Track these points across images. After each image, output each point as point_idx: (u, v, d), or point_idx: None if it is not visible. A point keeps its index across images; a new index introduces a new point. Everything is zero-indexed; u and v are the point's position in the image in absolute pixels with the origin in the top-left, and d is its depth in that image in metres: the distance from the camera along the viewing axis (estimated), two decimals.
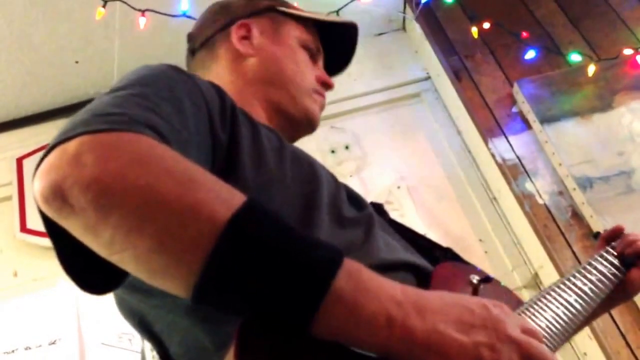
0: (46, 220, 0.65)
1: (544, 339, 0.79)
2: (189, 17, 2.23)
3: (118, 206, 0.59)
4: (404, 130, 2.71)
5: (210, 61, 1.16)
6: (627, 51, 2.56)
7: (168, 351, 0.83)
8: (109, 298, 2.02)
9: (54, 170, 0.62)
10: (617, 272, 1.12)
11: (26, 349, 2.07)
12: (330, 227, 0.87)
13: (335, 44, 1.26)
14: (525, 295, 2.21)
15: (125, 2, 2.22)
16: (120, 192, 0.59)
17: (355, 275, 0.61)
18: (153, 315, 0.84)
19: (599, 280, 1.06)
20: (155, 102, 0.73)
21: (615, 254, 1.16)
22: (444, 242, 2.37)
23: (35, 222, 2.44)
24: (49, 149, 0.64)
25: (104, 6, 2.19)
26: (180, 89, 0.80)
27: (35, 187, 0.63)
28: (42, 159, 0.64)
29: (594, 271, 1.08)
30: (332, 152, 2.62)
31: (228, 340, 0.61)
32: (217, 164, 0.80)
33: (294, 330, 0.59)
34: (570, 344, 2.10)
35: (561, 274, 2.08)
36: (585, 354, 2.07)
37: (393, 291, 0.62)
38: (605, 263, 1.12)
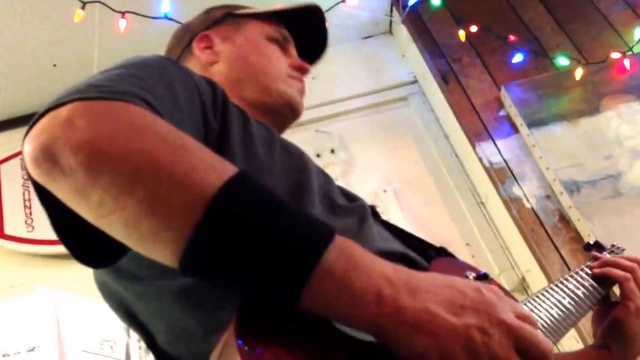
0: (39, 189, 0.65)
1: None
2: (170, 19, 2.20)
3: (109, 169, 0.59)
4: (391, 134, 2.70)
5: None
6: (615, 55, 2.57)
7: (155, 340, 0.83)
8: (89, 305, 1.98)
9: (46, 133, 0.62)
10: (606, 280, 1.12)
11: (4, 356, 2.04)
12: (324, 214, 0.87)
13: (307, 29, 1.28)
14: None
15: (104, 4, 2.19)
16: (112, 155, 0.59)
17: (347, 251, 0.61)
18: (139, 304, 0.83)
19: (592, 286, 1.07)
20: (149, 83, 0.73)
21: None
22: None
23: (13, 228, 2.42)
24: (41, 114, 0.64)
25: (82, 8, 2.16)
26: (173, 76, 0.81)
27: (25, 150, 0.63)
28: (32, 124, 0.64)
29: (587, 276, 1.09)
30: (318, 155, 2.60)
31: (218, 325, 0.61)
32: None
33: (284, 302, 0.59)
34: (557, 347, 2.09)
35: (549, 278, 2.07)
36: None
37: (385, 269, 0.62)
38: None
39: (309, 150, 2.58)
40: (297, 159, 0.94)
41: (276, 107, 1.14)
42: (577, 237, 2.15)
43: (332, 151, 2.62)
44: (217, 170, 0.62)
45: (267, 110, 1.12)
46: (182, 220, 0.58)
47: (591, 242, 1.26)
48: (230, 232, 0.58)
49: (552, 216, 2.22)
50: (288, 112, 1.16)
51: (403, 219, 2.42)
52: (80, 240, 0.66)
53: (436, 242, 2.48)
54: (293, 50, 1.23)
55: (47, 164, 0.61)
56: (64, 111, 0.62)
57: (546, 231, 2.18)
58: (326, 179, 0.98)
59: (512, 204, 2.26)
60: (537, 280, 2.15)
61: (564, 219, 2.21)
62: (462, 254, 2.32)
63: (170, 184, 0.59)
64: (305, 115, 2.63)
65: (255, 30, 1.20)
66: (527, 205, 2.26)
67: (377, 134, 2.69)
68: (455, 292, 0.63)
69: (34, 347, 2.05)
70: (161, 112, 0.69)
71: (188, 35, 1.23)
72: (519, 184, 2.31)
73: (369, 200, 2.44)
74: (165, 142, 0.62)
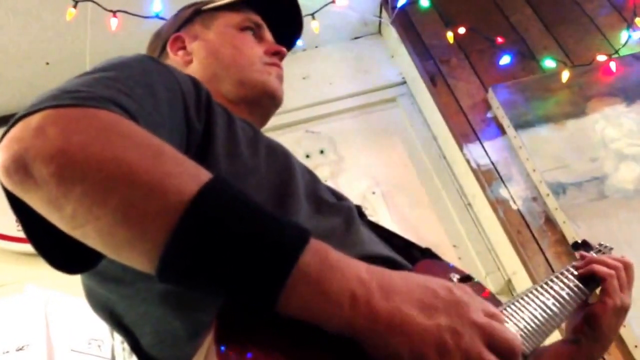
0: (10, 196, 0.63)
1: (520, 338, 0.79)
2: (161, 18, 2.19)
3: (81, 178, 0.58)
4: (380, 135, 2.71)
5: None
6: (601, 57, 2.58)
7: (139, 342, 0.82)
8: (78, 304, 1.99)
9: (17, 142, 0.60)
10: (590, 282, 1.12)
11: None
12: (310, 214, 0.87)
13: (280, 11, 1.26)
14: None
15: (96, 3, 2.19)
16: (84, 165, 0.58)
17: (322, 254, 0.61)
18: (124, 306, 0.82)
19: (576, 286, 1.07)
20: (128, 85, 0.72)
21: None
22: None
23: (4, 226, 2.41)
24: (13, 122, 0.63)
25: (74, 6, 2.16)
26: (156, 75, 0.79)
27: None
28: (5, 133, 0.62)
29: (571, 277, 1.09)
30: (307, 156, 2.61)
31: (202, 329, 0.61)
32: (191, 152, 0.79)
33: (261, 306, 0.59)
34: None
35: (534, 281, 2.09)
36: None
37: (359, 270, 0.62)
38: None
39: (299, 150, 2.60)
40: (282, 159, 0.93)
41: (255, 98, 1.12)
42: (562, 239, 2.17)
43: (322, 152, 2.63)
44: (191, 177, 0.61)
45: (247, 103, 1.11)
46: (157, 228, 0.58)
47: (579, 241, 1.26)
48: (205, 240, 0.57)
49: (538, 218, 2.25)
50: (268, 101, 1.14)
51: (391, 220, 2.44)
52: (55, 245, 0.65)
53: (423, 243, 2.49)
54: (267, 36, 1.21)
55: (18, 175, 0.59)
56: (35, 119, 0.61)
57: (532, 233, 2.21)
58: (312, 177, 0.98)
59: (498, 205, 2.28)
60: (522, 282, 2.17)
61: (550, 221, 2.23)
62: (449, 256, 2.34)
63: (144, 193, 0.58)
64: (294, 116, 2.67)
65: (224, 23, 1.17)
66: (514, 207, 2.28)
67: (366, 135, 2.70)
68: (427, 293, 0.63)
69: (23, 346, 2.05)
70: (137, 117, 0.68)
71: (161, 41, 1.21)
72: (505, 186, 2.33)
73: (357, 202, 2.44)
74: (139, 150, 0.61)
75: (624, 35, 2.67)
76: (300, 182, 0.91)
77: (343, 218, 0.91)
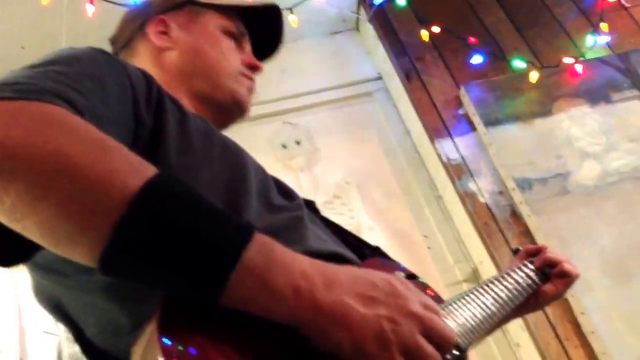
0: None
1: (458, 333, 0.85)
2: None
3: (21, 173, 0.57)
4: (355, 128, 2.76)
5: (130, 59, 1.14)
6: (568, 60, 2.66)
7: (83, 333, 0.81)
8: None
9: None
10: (532, 284, 1.19)
11: None
12: (259, 212, 0.87)
13: (264, 27, 1.26)
14: (465, 289, 2.29)
15: None
16: (24, 158, 0.57)
17: (266, 249, 0.63)
18: (69, 298, 0.81)
19: (515, 289, 1.13)
20: (75, 78, 0.71)
21: (533, 268, 1.23)
22: (389, 237, 2.40)
23: None
24: None
25: None
26: (105, 69, 0.78)
27: None
28: None
29: (511, 280, 1.15)
30: (284, 147, 2.64)
31: (144, 320, 0.61)
32: (140, 146, 0.78)
33: (205, 300, 0.60)
34: (505, 335, 2.19)
35: (499, 269, 2.16)
36: (518, 344, 2.16)
37: (302, 264, 0.64)
38: (521, 274, 1.19)
39: (276, 141, 2.64)
40: (235, 156, 0.93)
41: (224, 104, 1.12)
42: (526, 231, 2.25)
43: (298, 143, 2.66)
44: (136, 171, 0.60)
45: (214, 106, 1.11)
46: (99, 224, 0.57)
47: (520, 248, 1.36)
48: (149, 234, 0.57)
49: (504, 211, 2.32)
50: (236, 110, 1.14)
51: (364, 210, 2.49)
52: None
53: (395, 233, 2.53)
54: (248, 47, 1.21)
55: None
56: None
57: (498, 225, 2.28)
58: (265, 175, 0.98)
59: (467, 198, 2.35)
60: (488, 271, 2.24)
61: (515, 214, 2.31)
62: (419, 245, 2.41)
63: (86, 187, 0.58)
64: (272, 107, 2.71)
65: (213, 22, 1.16)
66: (482, 200, 2.35)
67: (341, 128, 2.75)
68: (368, 285, 0.66)
69: None
70: (83, 111, 0.66)
71: (141, 17, 1.17)
72: (474, 180, 2.40)
73: (332, 191, 2.52)
74: (82, 144, 0.60)
75: (590, 39, 2.75)
76: (253, 179, 0.91)
77: (292, 216, 0.92)
